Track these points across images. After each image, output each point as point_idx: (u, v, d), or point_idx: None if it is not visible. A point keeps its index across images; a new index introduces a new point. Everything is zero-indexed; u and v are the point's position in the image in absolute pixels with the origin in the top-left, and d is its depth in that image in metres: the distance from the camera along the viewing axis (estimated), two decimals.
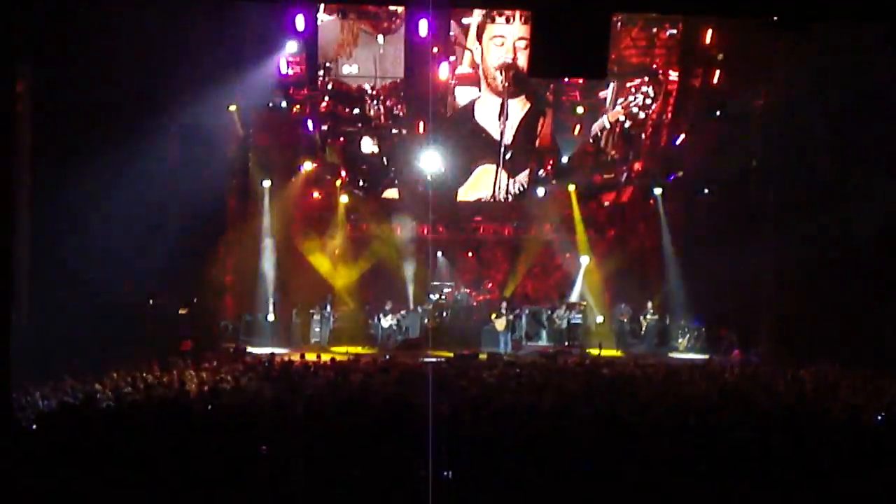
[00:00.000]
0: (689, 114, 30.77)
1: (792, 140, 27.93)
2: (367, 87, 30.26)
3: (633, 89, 30.75)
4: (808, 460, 12.37)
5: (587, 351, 29.02)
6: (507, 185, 32.57)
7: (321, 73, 29.91)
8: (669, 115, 31.10)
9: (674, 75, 30.45)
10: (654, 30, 29.79)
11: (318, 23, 29.13)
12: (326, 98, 30.29)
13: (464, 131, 31.27)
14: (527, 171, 32.48)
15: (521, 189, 32.74)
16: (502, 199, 32.99)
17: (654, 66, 30.40)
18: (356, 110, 30.42)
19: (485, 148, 31.76)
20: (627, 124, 31.30)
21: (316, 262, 32.86)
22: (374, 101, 30.30)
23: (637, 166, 32.26)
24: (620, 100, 30.86)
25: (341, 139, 31.23)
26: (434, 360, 25.16)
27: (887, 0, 16.10)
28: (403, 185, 32.86)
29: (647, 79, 30.59)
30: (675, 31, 29.74)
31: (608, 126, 31.43)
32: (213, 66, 27.08)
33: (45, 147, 24.38)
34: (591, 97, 30.95)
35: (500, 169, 32.13)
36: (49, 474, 11.61)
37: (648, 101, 30.81)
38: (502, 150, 31.58)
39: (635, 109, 30.95)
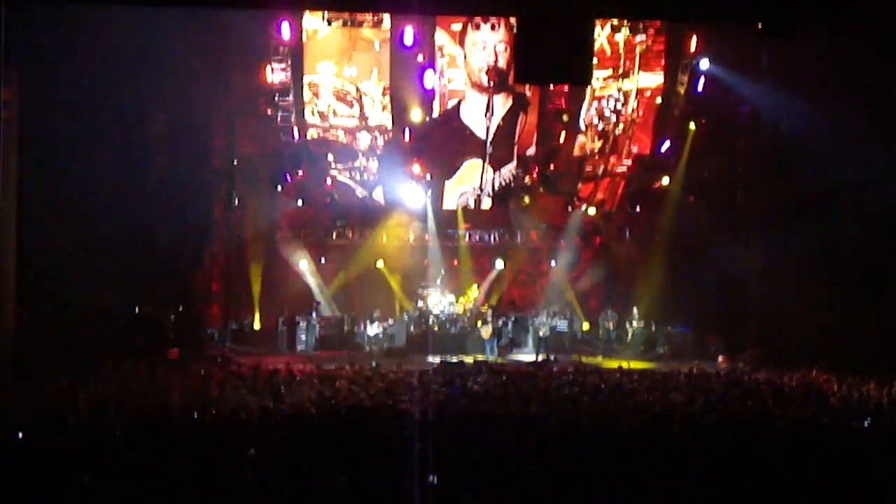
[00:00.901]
0: (674, 120, 30.83)
1: (778, 145, 28.04)
2: (363, 88, 30.33)
3: (605, 96, 30.89)
4: (795, 466, 12.39)
5: (574, 358, 28.98)
6: (493, 178, 32.64)
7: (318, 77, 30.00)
8: (641, 113, 31.14)
9: (644, 78, 30.47)
10: (625, 36, 29.95)
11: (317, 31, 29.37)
12: (327, 101, 30.34)
13: (449, 130, 31.36)
14: (510, 166, 32.56)
15: (505, 183, 32.78)
16: (488, 195, 33.03)
17: (623, 69, 30.48)
18: (354, 109, 30.46)
19: (470, 145, 31.89)
20: (601, 126, 31.40)
21: (301, 270, 32.84)
22: (372, 101, 30.38)
23: (613, 159, 32.27)
24: (594, 104, 30.95)
25: (341, 134, 31.16)
26: (419, 367, 25.12)
27: (872, 5, 16.13)
28: (389, 192, 32.85)
29: (617, 87, 30.70)
30: (643, 37, 29.89)
31: (583, 129, 31.56)
32: (200, 74, 27.09)
33: (31, 154, 24.35)
34: (577, 102, 31.01)
35: (485, 164, 32.23)
36: (34, 484, 11.57)
37: (619, 107, 30.97)
38: (488, 146, 31.70)
39: (608, 113, 31.08)
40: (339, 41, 29.80)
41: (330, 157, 31.85)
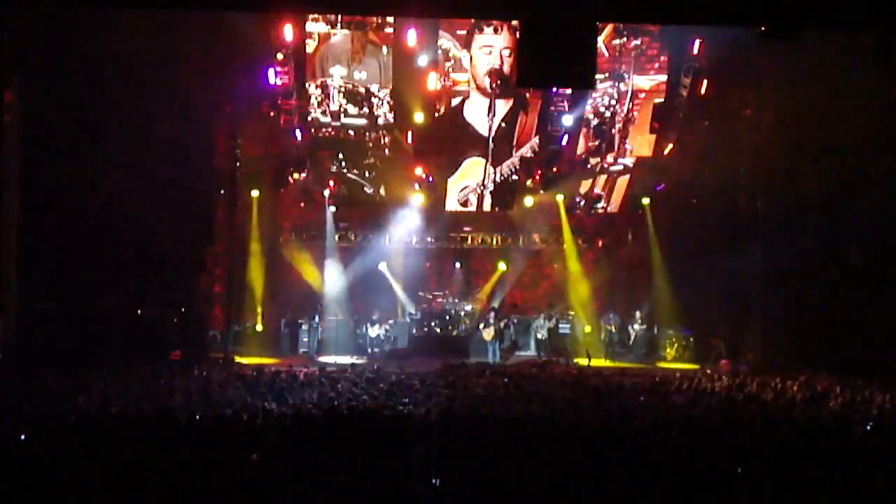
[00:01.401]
0: (676, 122, 30.76)
1: (780, 149, 28.01)
2: (374, 88, 30.37)
3: (601, 98, 30.88)
4: (797, 470, 12.37)
5: (574, 360, 29.06)
6: (494, 174, 32.60)
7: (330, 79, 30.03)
8: (637, 115, 31.05)
9: (639, 80, 30.40)
10: (622, 40, 29.96)
11: (330, 35, 29.39)
12: (338, 101, 30.37)
13: (452, 126, 31.33)
14: (510, 162, 32.52)
15: (504, 178, 32.70)
16: (490, 192, 32.98)
17: (619, 71, 30.46)
18: (364, 110, 30.51)
19: (472, 142, 31.84)
20: (595, 122, 31.37)
21: (304, 272, 32.81)
22: (381, 102, 30.41)
23: (609, 157, 32.20)
24: (590, 101, 30.90)
25: (352, 133, 31.15)
26: (421, 369, 25.10)
27: (875, 10, 16.11)
28: (393, 193, 32.82)
29: (613, 90, 30.68)
30: (638, 42, 29.86)
31: (583, 130, 31.55)
32: (202, 77, 27.09)
33: (33, 158, 24.40)
34: (579, 104, 30.96)
35: (487, 163, 32.16)
36: (36, 485, 11.57)
37: (613, 103, 30.93)
38: (490, 145, 31.67)
39: (602, 109, 31.06)
40: (349, 45, 29.80)
41: (340, 156, 31.88)
